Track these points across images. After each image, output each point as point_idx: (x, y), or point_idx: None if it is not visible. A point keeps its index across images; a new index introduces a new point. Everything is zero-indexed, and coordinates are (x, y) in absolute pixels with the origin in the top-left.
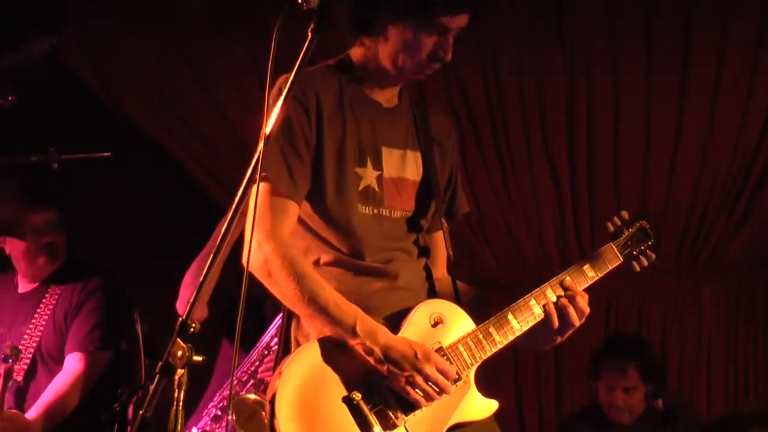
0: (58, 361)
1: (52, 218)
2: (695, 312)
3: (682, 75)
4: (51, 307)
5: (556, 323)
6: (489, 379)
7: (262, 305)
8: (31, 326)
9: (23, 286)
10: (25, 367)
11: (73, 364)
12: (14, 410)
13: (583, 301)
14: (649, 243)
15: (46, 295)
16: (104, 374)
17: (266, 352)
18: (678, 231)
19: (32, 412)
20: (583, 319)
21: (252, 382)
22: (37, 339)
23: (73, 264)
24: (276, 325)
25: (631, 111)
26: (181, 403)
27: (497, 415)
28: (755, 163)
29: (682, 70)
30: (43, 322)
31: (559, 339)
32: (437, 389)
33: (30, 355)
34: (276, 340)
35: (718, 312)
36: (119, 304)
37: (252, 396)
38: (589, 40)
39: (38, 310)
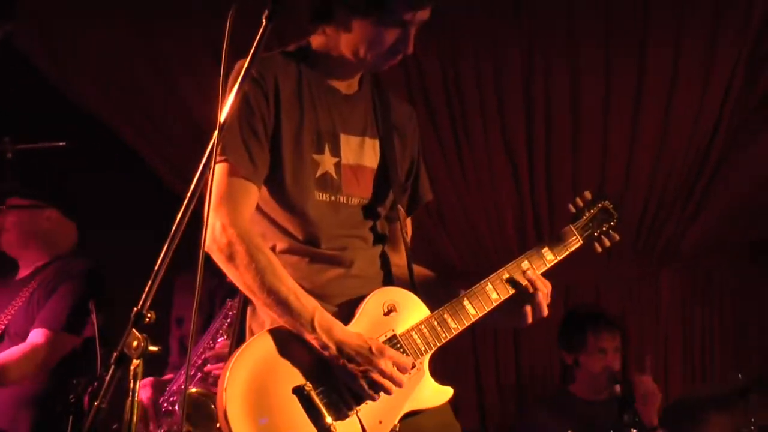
0: (24, 339)
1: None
2: (653, 298)
3: (639, 62)
4: (31, 290)
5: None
6: (448, 365)
7: (213, 297)
8: (8, 308)
9: (20, 273)
10: None
11: (33, 337)
12: None
13: (542, 294)
14: (612, 224)
15: (32, 281)
16: (75, 364)
17: (212, 344)
18: (635, 217)
19: None
20: (545, 308)
21: (199, 375)
22: (8, 318)
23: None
24: (221, 316)
25: (588, 98)
26: (136, 394)
27: (454, 401)
28: (711, 149)
29: (639, 58)
30: (19, 304)
31: (525, 324)
32: (392, 383)
33: None
34: (221, 331)
35: (675, 297)
36: (95, 291)
37: (196, 390)
38: (546, 26)
39: (19, 294)
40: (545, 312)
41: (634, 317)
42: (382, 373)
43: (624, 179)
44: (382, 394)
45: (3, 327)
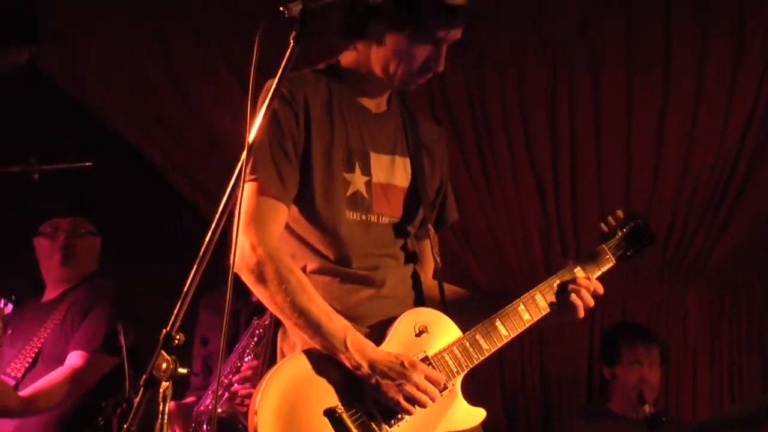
0: (59, 363)
1: (77, 223)
2: (680, 316)
3: (663, 79)
4: (63, 312)
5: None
6: (475, 386)
7: (238, 317)
8: (41, 330)
9: (46, 296)
10: (27, 365)
11: (72, 360)
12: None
13: (589, 283)
14: (644, 243)
15: (63, 303)
16: (108, 384)
17: (239, 364)
18: (662, 234)
19: (22, 392)
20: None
21: (226, 395)
22: (42, 340)
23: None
24: (247, 335)
25: (613, 116)
26: (165, 417)
27: (485, 423)
28: (738, 165)
29: (663, 75)
30: (52, 326)
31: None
32: (426, 396)
33: (33, 355)
34: (248, 350)
35: (702, 315)
36: (129, 313)
37: (223, 410)
38: (570, 46)
39: (52, 316)
40: (581, 314)
41: (661, 334)
42: (416, 386)
43: (649, 196)
44: (413, 416)
45: (37, 350)
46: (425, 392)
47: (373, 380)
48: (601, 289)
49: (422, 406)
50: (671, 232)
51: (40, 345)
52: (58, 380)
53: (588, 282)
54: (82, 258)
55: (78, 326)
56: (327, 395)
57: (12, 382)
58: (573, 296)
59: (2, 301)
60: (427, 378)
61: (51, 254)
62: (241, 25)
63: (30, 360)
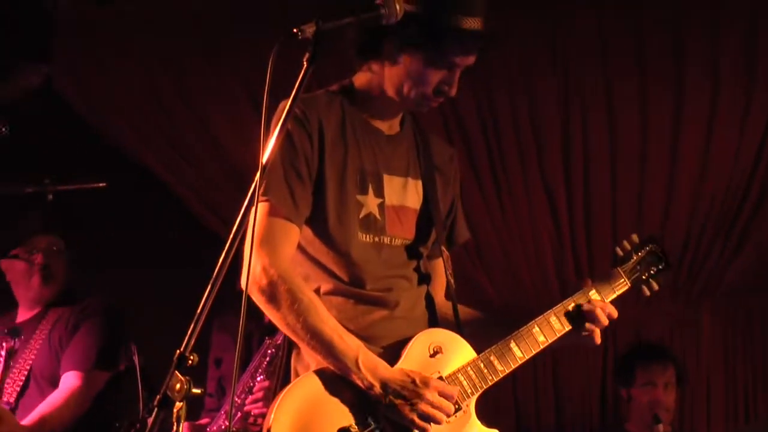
0: (52, 383)
1: (52, 242)
2: (694, 337)
3: (676, 98)
4: (47, 330)
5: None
6: (488, 406)
7: (250, 339)
8: (26, 350)
9: (21, 316)
10: (18, 388)
11: (69, 382)
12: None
13: (605, 307)
14: (660, 267)
15: (43, 321)
16: (101, 400)
17: (251, 383)
18: (675, 256)
19: (25, 421)
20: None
21: (239, 415)
22: (30, 361)
23: (71, 292)
24: (259, 355)
25: (626, 135)
26: None
27: None
28: (751, 186)
29: (676, 95)
30: (38, 345)
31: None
32: (441, 413)
33: (23, 377)
34: (260, 370)
35: (716, 337)
36: (117, 326)
37: (236, 429)
38: (582, 63)
39: (34, 335)
40: (598, 340)
41: (676, 356)
42: (431, 404)
43: (663, 216)
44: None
45: (26, 371)
46: (440, 409)
47: (387, 400)
48: (615, 313)
49: (437, 423)
50: (685, 252)
51: (29, 366)
52: (59, 404)
53: (603, 305)
54: (59, 277)
55: (67, 344)
56: (341, 414)
57: (6, 408)
58: (588, 321)
59: None
60: (441, 394)
61: (28, 275)
62: (257, 49)
63: (21, 383)
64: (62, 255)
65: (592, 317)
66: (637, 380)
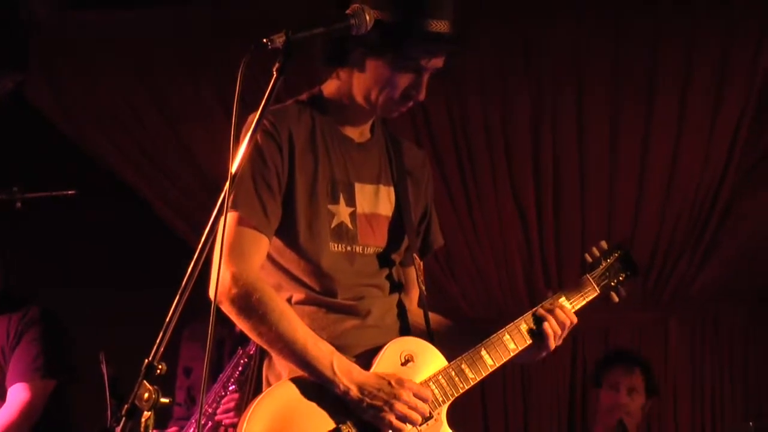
0: None
1: None
2: (662, 343)
3: (646, 108)
4: None
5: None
6: (456, 414)
7: (222, 347)
8: None
9: None
10: None
11: (18, 394)
12: None
13: (563, 314)
14: (628, 273)
15: None
16: (48, 407)
17: (223, 393)
18: (644, 263)
19: None
20: (566, 331)
21: (210, 424)
22: None
23: (6, 297)
24: (232, 365)
25: (596, 143)
26: None
27: None
28: (719, 196)
29: (646, 105)
30: None
31: (545, 353)
32: (416, 413)
33: None
34: (232, 380)
35: (684, 343)
36: (59, 333)
37: None
38: (554, 73)
39: None
40: (551, 346)
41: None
42: (407, 404)
43: (632, 225)
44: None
45: None
46: (415, 409)
47: (364, 403)
48: (575, 320)
49: (413, 423)
50: (654, 260)
51: None
52: (14, 418)
53: (561, 312)
54: None
55: (10, 355)
56: (316, 420)
57: None
58: (545, 325)
59: None
60: (416, 395)
61: None
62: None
63: None
64: None
65: (548, 323)
66: (603, 382)
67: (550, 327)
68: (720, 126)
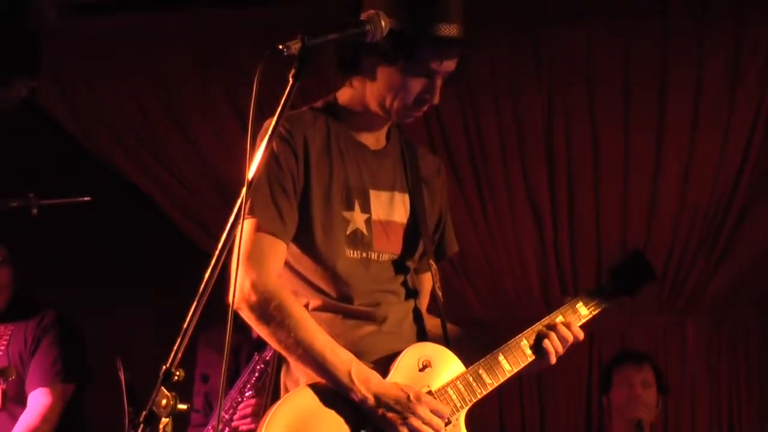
0: (18, 401)
1: None
2: (678, 348)
3: (659, 112)
4: (3, 346)
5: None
6: (474, 421)
7: (239, 353)
8: None
9: None
10: None
11: (39, 399)
12: None
13: (565, 330)
14: (645, 278)
15: None
16: (67, 410)
17: (240, 399)
18: (659, 267)
19: None
20: (565, 347)
21: (227, 430)
22: None
23: (20, 302)
24: (248, 371)
25: (609, 144)
26: None
27: None
28: (734, 199)
29: (659, 107)
30: None
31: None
32: (431, 429)
33: None
34: (248, 386)
35: (700, 346)
36: (74, 337)
37: None
38: (566, 78)
39: None
40: (552, 360)
41: (660, 365)
42: (422, 419)
43: (647, 226)
44: None
45: None
46: (430, 425)
47: (379, 412)
48: (581, 336)
49: None
50: (668, 264)
51: None
52: (36, 423)
53: (565, 330)
54: (4, 287)
55: (29, 361)
56: (334, 427)
57: None
58: (545, 342)
59: None
60: (433, 411)
61: None
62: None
63: None
64: (5, 264)
65: (550, 340)
66: (614, 382)
67: (551, 344)
68: (734, 127)
